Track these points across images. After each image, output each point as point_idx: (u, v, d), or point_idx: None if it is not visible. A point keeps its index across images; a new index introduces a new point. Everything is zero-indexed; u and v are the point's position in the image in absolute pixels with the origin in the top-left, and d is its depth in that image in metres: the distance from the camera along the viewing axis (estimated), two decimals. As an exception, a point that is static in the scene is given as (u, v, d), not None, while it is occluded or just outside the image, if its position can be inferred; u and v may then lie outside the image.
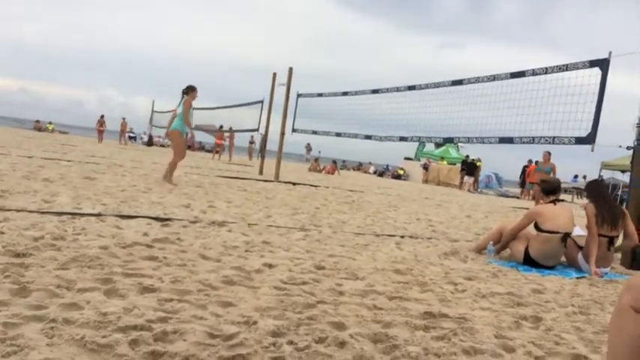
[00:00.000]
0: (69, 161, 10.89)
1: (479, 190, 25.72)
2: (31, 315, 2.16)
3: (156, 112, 34.18)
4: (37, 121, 40.48)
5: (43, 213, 4.53)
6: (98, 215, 4.75)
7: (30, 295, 2.42)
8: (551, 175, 13.20)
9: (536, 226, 4.87)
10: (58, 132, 37.82)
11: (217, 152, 27.23)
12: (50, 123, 39.94)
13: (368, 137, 12.25)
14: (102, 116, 30.16)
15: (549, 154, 13.90)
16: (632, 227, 5.10)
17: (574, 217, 5.08)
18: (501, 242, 5.15)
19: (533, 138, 7.73)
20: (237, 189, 9.38)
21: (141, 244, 3.75)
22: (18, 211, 4.48)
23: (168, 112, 27.43)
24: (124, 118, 31.75)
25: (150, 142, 34.65)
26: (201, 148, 37.87)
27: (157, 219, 4.95)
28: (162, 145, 35.44)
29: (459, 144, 27.23)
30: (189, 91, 9.09)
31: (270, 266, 3.57)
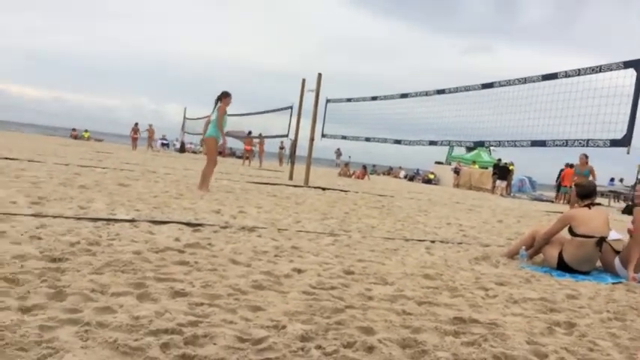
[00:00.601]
0: (104, 168, 11.14)
1: (512, 194, 25.29)
2: (66, 318, 2.22)
3: (188, 118, 34.73)
4: (74, 130, 41.54)
5: (78, 219, 4.65)
6: (132, 221, 4.85)
7: (65, 298, 2.48)
8: (590, 178, 12.90)
9: (571, 231, 4.77)
10: (93, 140, 38.74)
11: (247, 158, 27.47)
12: (86, 131, 40.93)
13: (397, 142, 12.21)
14: (136, 124, 30.78)
15: (586, 157, 13.56)
16: None
17: (610, 221, 4.97)
18: (534, 247, 5.06)
19: (567, 141, 7.59)
20: (267, 194, 9.45)
21: (173, 249, 3.81)
22: (55, 217, 4.61)
23: (200, 118, 27.87)
24: (150, 125, 32.10)
25: (182, 149, 35.19)
26: (232, 154, 38.26)
27: (188, 224, 5.02)
28: (194, 152, 35.95)
29: (491, 147, 26.84)
30: (224, 97, 9.04)
31: (300, 271, 3.59)
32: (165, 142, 39.93)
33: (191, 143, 37.92)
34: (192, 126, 31.64)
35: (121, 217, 4.98)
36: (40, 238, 3.66)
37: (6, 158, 10.71)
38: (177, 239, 4.23)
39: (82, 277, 2.85)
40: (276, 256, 4.06)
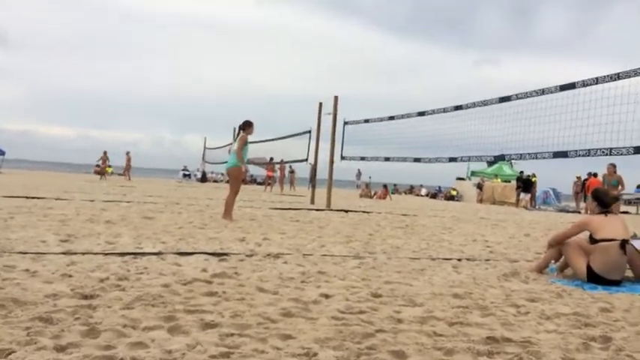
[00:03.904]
0: (128, 202, 11.30)
1: (537, 206, 24.96)
2: (101, 355, 2.24)
3: (208, 148, 35.15)
4: (97, 166, 42.19)
5: (107, 254, 4.72)
6: (158, 254, 4.91)
7: (99, 335, 2.51)
8: (619, 188, 12.67)
9: (591, 238, 4.72)
10: (116, 175, 39.31)
11: (269, 184, 27.61)
12: (109, 166, 41.57)
13: (417, 160, 12.17)
14: (104, 152, 30.00)
15: (614, 166, 13.33)
16: None
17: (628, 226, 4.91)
18: (549, 244, 5.10)
19: (589, 150, 7.51)
20: (290, 220, 9.47)
21: (200, 280, 3.84)
22: (84, 253, 4.69)
23: (221, 147, 28.17)
24: (127, 152, 30.68)
25: (203, 179, 35.54)
26: (253, 181, 38.50)
27: (214, 254, 5.06)
28: (215, 181, 36.30)
29: (512, 161, 26.60)
30: (246, 126, 9.08)
31: (327, 296, 3.58)
32: (186, 172, 40.40)
33: (212, 172, 38.32)
34: (213, 155, 31.97)
35: (148, 251, 5.04)
36: (70, 276, 3.72)
37: (34, 197, 10.94)
38: (204, 270, 4.26)
39: (114, 312, 2.89)
40: (302, 282, 4.06)
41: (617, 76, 7.05)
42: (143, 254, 4.83)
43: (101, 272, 3.90)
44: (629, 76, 6.83)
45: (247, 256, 5.12)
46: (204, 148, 36.29)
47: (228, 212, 8.83)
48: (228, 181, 9.75)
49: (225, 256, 5.00)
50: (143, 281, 3.71)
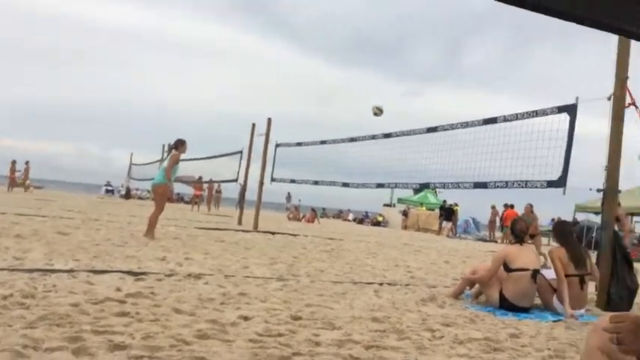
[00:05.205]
0: (43, 216, 10.72)
1: (457, 235, 25.83)
2: (-6, 377, 2.09)
3: (134, 164, 34.07)
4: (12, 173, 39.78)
5: (12, 270, 4.43)
6: (70, 271, 4.66)
7: (-6, 356, 2.34)
8: (533, 227, 13.49)
9: (506, 267, 4.94)
10: (32, 187, 37.30)
11: (196, 203, 27.05)
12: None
13: (345, 185, 12.32)
14: (13, 162, 28.31)
15: (531, 206, 14.19)
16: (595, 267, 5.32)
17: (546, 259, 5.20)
18: (477, 290, 5.24)
19: (507, 182, 7.85)
20: (216, 240, 9.30)
21: (113, 299, 3.68)
22: (-13, 269, 4.38)
23: (149, 164, 27.37)
24: (27, 162, 29.61)
25: (127, 195, 34.36)
26: (180, 199, 37.60)
27: (130, 273, 4.87)
28: (140, 198, 35.19)
29: (437, 189, 27.48)
30: (179, 145, 8.94)
31: (246, 318, 3.52)
32: (110, 188, 38.97)
33: (137, 189, 37.12)
34: (139, 172, 30.99)
35: (59, 268, 4.78)
36: (-31, 292, 3.46)
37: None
38: (118, 289, 4.08)
39: (14, 332, 2.71)
40: (222, 303, 3.97)
41: (535, 113, 7.45)
42: (53, 271, 4.58)
43: (4, 289, 3.65)
44: (546, 114, 7.24)
45: (166, 275, 4.96)
46: (130, 163, 35.15)
47: (150, 230, 8.56)
48: (153, 199, 9.47)
49: (142, 276, 4.82)
50: (50, 299, 3.50)
